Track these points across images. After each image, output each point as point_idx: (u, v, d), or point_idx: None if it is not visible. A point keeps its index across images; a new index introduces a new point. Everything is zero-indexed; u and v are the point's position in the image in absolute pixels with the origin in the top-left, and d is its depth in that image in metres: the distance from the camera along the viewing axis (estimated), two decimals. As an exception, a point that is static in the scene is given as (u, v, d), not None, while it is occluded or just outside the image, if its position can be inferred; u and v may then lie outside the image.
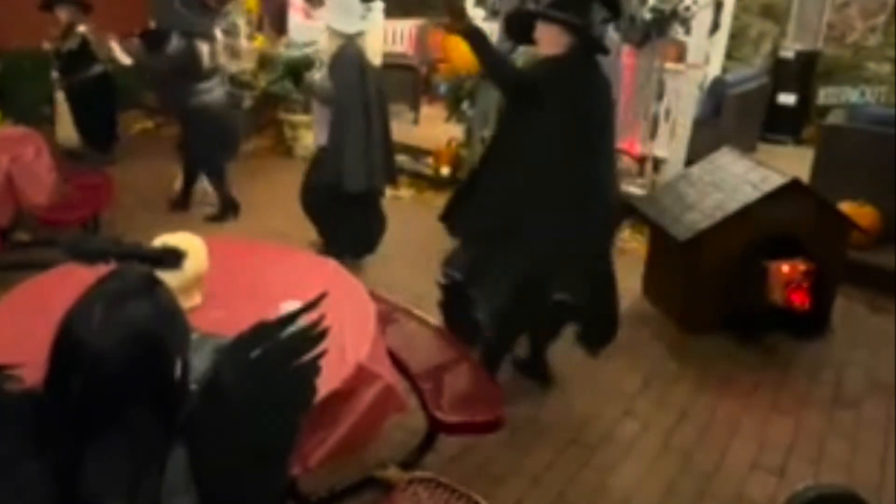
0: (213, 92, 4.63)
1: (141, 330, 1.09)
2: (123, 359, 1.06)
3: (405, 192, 5.56)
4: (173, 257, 1.29)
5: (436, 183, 5.48)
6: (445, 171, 5.46)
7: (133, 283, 1.15)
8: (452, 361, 2.98)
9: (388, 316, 2.83)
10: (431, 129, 6.25)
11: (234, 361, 1.25)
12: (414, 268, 4.00)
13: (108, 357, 1.05)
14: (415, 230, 4.69)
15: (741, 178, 3.53)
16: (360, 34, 3.81)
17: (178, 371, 1.16)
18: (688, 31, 4.29)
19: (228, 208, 4.88)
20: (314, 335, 1.32)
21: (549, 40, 2.70)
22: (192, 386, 1.23)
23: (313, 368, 1.31)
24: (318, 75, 4.30)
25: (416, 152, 5.90)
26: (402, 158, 5.97)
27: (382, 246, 4.36)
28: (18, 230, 4.12)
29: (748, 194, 3.37)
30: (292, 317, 1.34)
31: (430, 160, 5.69)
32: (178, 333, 1.19)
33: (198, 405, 1.19)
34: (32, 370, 1.19)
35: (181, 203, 5.03)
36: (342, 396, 1.96)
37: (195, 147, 4.78)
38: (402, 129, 6.49)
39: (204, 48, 4.54)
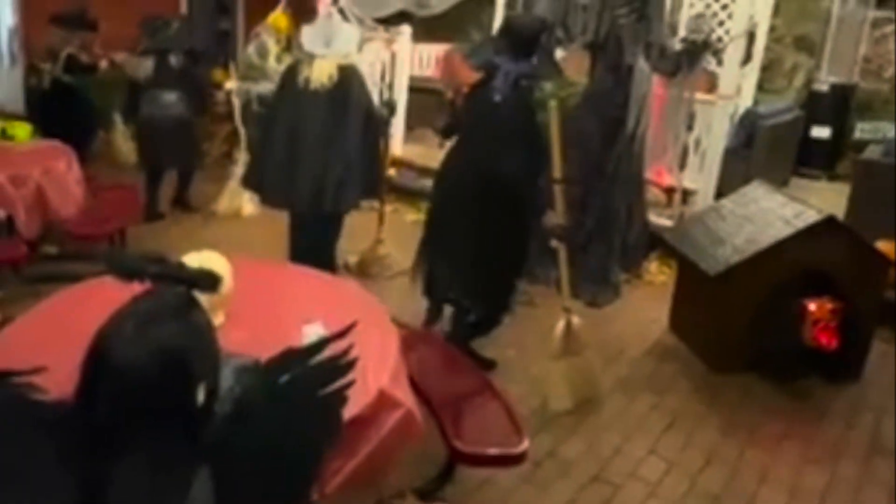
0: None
1: (167, 350, 1.09)
2: (147, 377, 1.06)
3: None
4: (209, 280, 1.26)
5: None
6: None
7: (168, 303, 1.15)
8: (473, 390, 2.93)
9: (407, 340, 2.79)
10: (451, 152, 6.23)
11: (263, 386, 1.27)
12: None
13: (132, 374, 1.06)
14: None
15: (774, 212, 3.45)
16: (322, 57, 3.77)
17: (202, 394, 1.14)
18: (720, 63, 4.24)
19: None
20: (342, 365, 1.34)
21: None
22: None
23: (340, 398, 1.33)
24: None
25: (442, 177, 5.89)
26: (425, 183, 6.00)
27: (405, 269, 4.35)
28: (46, 243, 4.16)
29: (781, 230, 3.29)
30: (321, 344, 1.36)
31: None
32: (206, 357, 1.18)
33: (224, 427, 1.19)
34: (59, 380, 1.18)
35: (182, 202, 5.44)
36: (362, 423, 1.92)
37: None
38: (427, 153, 6.52)
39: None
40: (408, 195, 5.92)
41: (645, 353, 3.67)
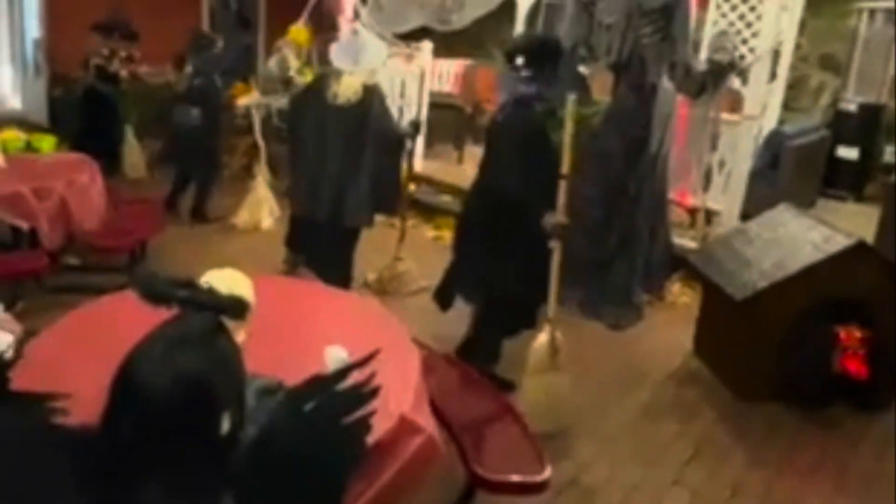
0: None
1: (192, 377, 1.09)
2: (171, 403, 1.07)
3: (447, 234, 5.50)
4: (238, 307, 1.26)
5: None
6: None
7: (196, 330, 1.15)
8: (494, 414, 2.88)
9: (428, 362, 2.75)
10: (475, 170, 6.20)
11: (288, 414, 1.29)
12: (454, 311, 3.91)
13: (156, 399, 1.06)
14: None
15: (802, 236, 3.38)
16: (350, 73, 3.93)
17: (226, 424, 1.13)
18: (745, 83, 4.18)
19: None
20: (366, 392, 1.33)
21: None
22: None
23: (364, 426, 1.32)
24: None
25: (460, 192, 5.86)
26: (446, 199, 5.99)
27: (422, 290, 4.33)
28: (68, 254, 4.18)
29: (810, 255, 3.22)
30: (345, 372, 1.35)
31: (474, 202, 5.64)
32: (232, 386, 1.17)
33: (249, 455, 1.19)
34: (83, 399, 1.20)
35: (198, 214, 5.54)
36: (383, 448, 1.88)
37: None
38: (447, 168, 6.52)
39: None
40: (427, 211, 5.91)
41: (668, 378, 3.60)
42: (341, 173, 3.91)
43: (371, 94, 3.91)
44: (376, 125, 3.90)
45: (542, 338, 3.07)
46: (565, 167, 2.99)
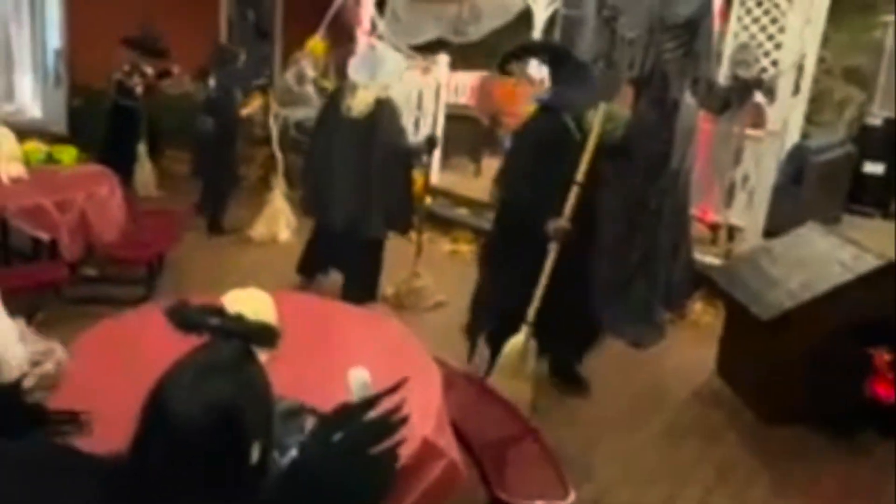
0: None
1: (222, 406, 1.09)
2: (201, 432, 1.07)
3: (464, 248, 5.48)
4: (268, 336, 1.25)
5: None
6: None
7: (225, 357, 1.15)
8: (515, 435, 2.83)
9: (447, 381, 2.71)
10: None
11: (317, 444, 1.30)
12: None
13: (186, 428, 1.06)
14: (472, 287, 4.58)
15: (829, 255, 3.31)
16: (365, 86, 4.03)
17: (256, 453, 1.13)
18: (772, 101, 4.12)
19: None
20: (394, 422, 1.34)
21: None
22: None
23: (392, 456, 1.33)
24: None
25: (478, 206, 5.83)
26: (462, 212, 5.96)
27: (439, 305, 4.30)
28: (86, 265, 4.19)
29: (839, 275, 3.15)
30: (373, 400, 1.36)
31: (490, 215, 5.60)
32: (261, 415, 1.17)
33: (279, 485, 1.20)
34: (109, 418, 1.21)
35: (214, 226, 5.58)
36: (405, 472, 1.83)
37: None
38: (463, 181, 6.49)
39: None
40: (444, 224, 5.87)
41: (691, 398, 3.53)
42: (351, 185, 3.99)
43: (382, 108, 3.98)
44: (384, 139, 3.98)
45: (518, 340, 3.08)
46: (580, 175, 2.98)
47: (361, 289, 4.12)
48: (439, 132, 6.48)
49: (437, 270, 4.67)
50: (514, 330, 3.16)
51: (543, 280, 3.03)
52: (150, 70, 6.37)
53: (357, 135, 3.97)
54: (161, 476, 1.07)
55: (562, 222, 2.98)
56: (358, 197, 3.99)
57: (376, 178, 3.99)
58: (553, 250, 3.00)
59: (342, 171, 4.02)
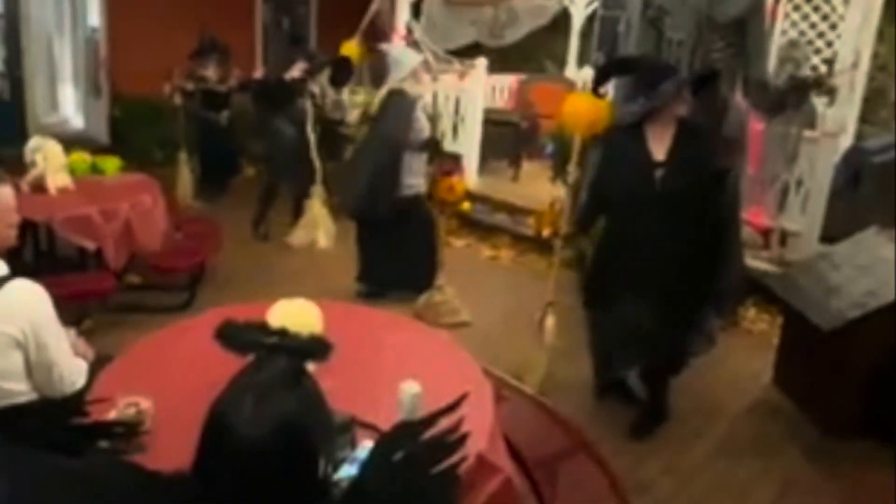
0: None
1: (290, 424, 1.08)
2: (273, 453, 1.06)
3: (504, 254, 5.39)
4: (322, 349, 1.23)
5: (537, 245, 5.27)
6: (547, 232, 5.25)
7: (281, 374, 1.13)
8: (567, 448, 2.75)
9: (496, 394, 2.65)
10: (532, 188, 6.10)
11: (378, 464, 1.27)
12: (515, 336, 3.79)
13: (258, 451, 1.05)
14: (515, 295, 4.50)
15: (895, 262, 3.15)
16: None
17: (322, 465, 1.13)
18: (832, 102, 3.95)
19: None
20: (454, 441, 1.31)
21: None
22: None
23: (453, 475, 1.28)
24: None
25: (516, 211, 5.75)
26: (500, 217, 5.87)
27: (480, 311, 4.20)
28: (130, 273, 4.22)
29: (907, 282, 2.99)
30: (432, 418, 1.33)
31: (530, 220, 5.51)
32: (324, 428, 1.17)
33: None
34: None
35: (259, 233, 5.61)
36: (460, 490, 1.78)
37: None
38: (502, 185, 6.41)
39: None
40: (483, 230, 5.79)
41: (747, 411, 3.40)
42: (360, 172, 4.31)
43: (388, 100, 4.24)
44: (382, 124, 4.22)
45: (546, 317, 3.31)
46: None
47: (416, 267, 4.27)
48: (478, 136, 6.43)
49: (473, 277, 4.60)
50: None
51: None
52: (237, 71, 6.45)
53: (372, 128, 4.36)
54: (232, 496, 1.06)
55: None
56: (364, 182, 4.22)
57: (371, 164, 4.22)
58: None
59: (357, 160, 4.43)
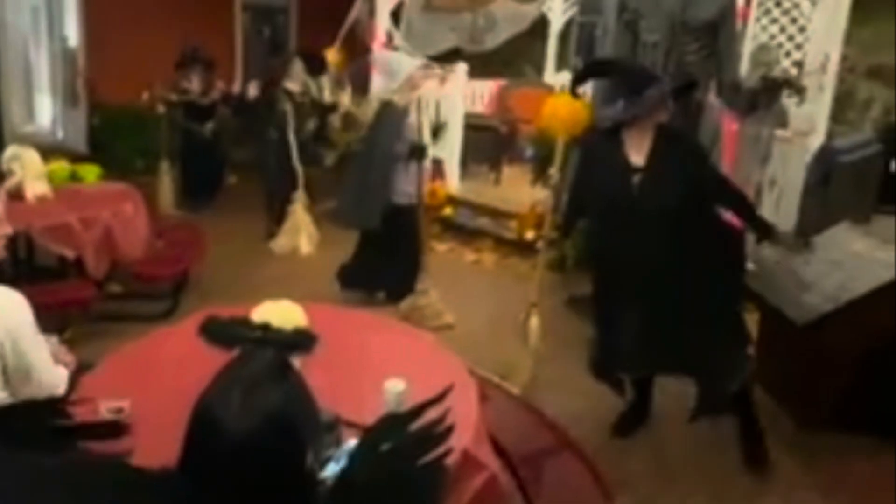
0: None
1: (278, 417, 1.09)
2: (263, 447, 1.07)
3: (487, 257, 5.44)
4: (306, 341, 1.28)
5: (520, 248, 5.32)
6: (530, 235, 5.31)
7: (267, 367, 1.14)
8: (552, 446, 2.79)
9: (482, 394, 2.67)
10: (514, 191, 6.16)
11: (366, 456, 1.29)
12: (499, 338, 3.83)
13: (248, 442, 1.05)
14: (499, 297, 4.54)
15: (867, 257, 3.23)
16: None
17: (310, 458, 1.14)
18: (802, 101, 4.05)
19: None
20: (440, 433, 1.33)
21: None
22: None
23: (441, 466, 1.31)
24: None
25: (498, 215, 5.80)
26: (482, 221, 5.92)
27: (465, 314, 4.23)
28: (111, 282, 4.20)
29: (878, 275, 3.07)
30: (418, 410, 1.36)
31: (513, 224, 5.56)
32: (311, 420, 1.18)
33: (332, 496, 1.21)
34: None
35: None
36: (446, 482, 1.80)
37: None
38: (483, 189, 6.46)
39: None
40: (466, 234, 5.83)
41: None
42: (350, 180, 4.47)
43: (382, 109, 4.31)
44: (377, 138, 4.27)
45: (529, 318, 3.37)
46: None
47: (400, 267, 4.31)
48: (459, 141, 6.47)
49: (456, 282, 4.63)
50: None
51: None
52: (220, 84, 6.49)
53: (366, 139, 4.46)
54: (221, 493, 1.07)
55: None
56: (353, 191, 4.34)
57: (361, 173, 4.34)
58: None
59: (353, 172, 4.49)
